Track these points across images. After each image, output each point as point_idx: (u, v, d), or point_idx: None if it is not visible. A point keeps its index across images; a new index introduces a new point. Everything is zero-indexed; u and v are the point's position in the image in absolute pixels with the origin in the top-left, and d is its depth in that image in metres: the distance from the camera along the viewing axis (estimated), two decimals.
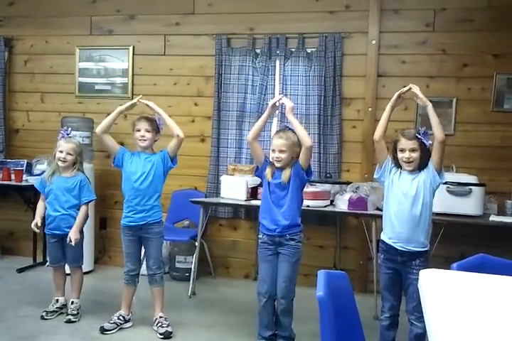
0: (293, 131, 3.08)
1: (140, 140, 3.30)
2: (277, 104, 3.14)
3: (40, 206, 3.53)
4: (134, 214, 3.30)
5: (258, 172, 3.19)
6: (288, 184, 3.00)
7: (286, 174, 3.00)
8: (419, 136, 2.75)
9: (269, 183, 3.07)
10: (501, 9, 4.08)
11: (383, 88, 4.33)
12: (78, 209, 3.47)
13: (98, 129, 3.36)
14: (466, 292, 1.62)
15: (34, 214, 4.65)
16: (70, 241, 3.34)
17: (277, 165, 3.04)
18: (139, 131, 3.29)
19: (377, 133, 2.90)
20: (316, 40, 4.39)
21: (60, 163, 3.43)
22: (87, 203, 3.50)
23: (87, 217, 3.53)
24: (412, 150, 2.74)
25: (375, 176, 3.00)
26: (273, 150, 3.05)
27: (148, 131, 3.29)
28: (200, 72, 4.71)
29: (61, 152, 3.43)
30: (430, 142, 2.77)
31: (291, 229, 3.02)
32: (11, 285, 4.18)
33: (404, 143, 2.76)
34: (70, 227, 3.43)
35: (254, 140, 3.13)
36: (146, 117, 3.37)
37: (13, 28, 5.10)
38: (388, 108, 2.94)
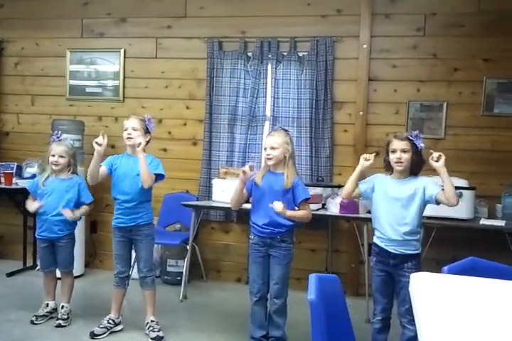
0: (286, 130, 3.10)
1: (127, 138, 3.26)
2: (248, 173, 3.00)
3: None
4: (124, 215, 3.29)
5: (248, 190, 3.14)
6: (285, 192, 2.99)
7: (289, 179, 2.99)
8: (411, 138, 2.76)
9: (259, 188, 3.07)
10: (491, 14, 4.11)
11: (374, 92, 4.35)
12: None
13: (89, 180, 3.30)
14: (456, 295, 1.63)
15: (24, 218, 4.67)
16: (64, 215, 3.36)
17: (269, 162, 3.05)
18: (126, 129, 3.27)
19: (344, 193, 2.95)
20: (307, 44, 4.41)
21: (53, 167, 3.43)
22: (87, 204, 3.50)
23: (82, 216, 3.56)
24: (403, 151, 2.75)
25: (362, 201, 3.03)
26: (265, 149, 3.08)
27: (135, 130, 3.25)
28: (192, 75, 4.71)
29: (53, 156, 3.42)
30: (422, 145, 2.78)
31: (283, 230, 3.02)
32: (1, 289, 4.14)
33: (395, 143, 2.78)
34: (62, 230, 3.42)
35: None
36: (135, 116, 3.35)
37: (3, 31, 5.07)
38: (357, 171, 2.86)
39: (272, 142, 3.02)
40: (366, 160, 2.82)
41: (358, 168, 2.86)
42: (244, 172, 2.99)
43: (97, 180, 3.26)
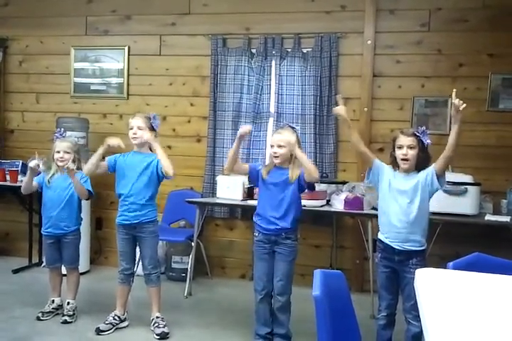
0: (293, 128, 3.11)
1: (132, 138, 3.28)
2: (245, 134, 3.05)
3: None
4: (128, 212, 3.29)
5: (251, 180, 3.17)
6: (290, 184, 2.99)
7: (294, 173, 2.99)
8: (417, 134, 2.75)
9: (265, 182, 3.08)
10: (496, 9, 4.09)
11: (379, 88, 4.34)
12: (76, 208, 3.47)
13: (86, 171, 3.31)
14: (461, 291, 1.63)
15: (30, 215, 4.69)
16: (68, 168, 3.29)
17: (276, 161, 3.04)
18: (131, 128, 3.28)
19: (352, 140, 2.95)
20: (311, 40, 4.39)
21: (59, 163, 3.44)
22: (88, 191, 3.47)
23: (82, 191, 3.45)
24: (410, 147, 2.74)
25: (365, 181, 3.00)
26: (271, 146, 3.07)
27: (141, 129, 3.26)
28: (196, 72, 4.71)
29: (58, 152, 3.44)
30: (429, 141, 2.77)
31: (287, 228, 3.02)
32: (7, 286, 4.16)
33: (402, 139, 2.77)
34: (68, 227, 3.44)
35: (230, 171, 3.15)
36: (140, 115, 3.36)
37: (8, 29, 5.08)
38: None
39: (279, 140, 3.01)
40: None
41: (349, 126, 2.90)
42: (242, 134, 3.00)
43: (92, 173, 3.30)
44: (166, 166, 3.20)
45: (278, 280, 3.03)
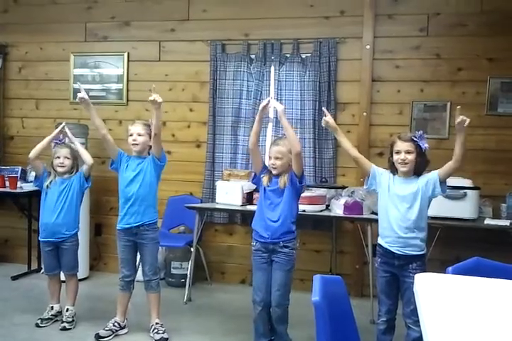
0: None
1: (133, 144, 3.29)
2: (268, 106, 3.12)
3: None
4: (129, 216, 3.29)
5: (255, 179, 3.18)
6: (283, 190, 3.01)
7: (283, 179, 3.01)
8: (414, 139, 2.76)
9: (265, 189, 3.08)
10: (494, 14, 4.10)
11: (378, 93, 4.34)
12: (73, 214, 3.47)
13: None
14: (461, 295, 1.62)
15: (29, 221, 4.68)
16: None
17: (273, 172, 3.06)
18: (131, 135, 3.29)
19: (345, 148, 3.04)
20: (310, 46, 4.41)
21: (59, 169, 3.45)
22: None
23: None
24: (408, 152, 2.75)
25: (365, 187, 3.01)
26: (269, 158, 3.08)
27: (141, 135, 3.28)
28: (195, 77, 4.72)
29: (58, 158, 3.45)
30: (426, 145, 2.77)
31: (285, 236, 3.00)
32: (6, 293, 4.15)
33: (399, 144, 2.77)
34: (66, 232, 3.43)
35: (255, 146, 3.13)
36: (139, 121, 3.37)
37: (7, 35, 5.10)
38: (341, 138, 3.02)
39: (277, 152, 3.02)
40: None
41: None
42: (263, 109, 3.11)
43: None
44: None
45: (275, 291, 2.99)
